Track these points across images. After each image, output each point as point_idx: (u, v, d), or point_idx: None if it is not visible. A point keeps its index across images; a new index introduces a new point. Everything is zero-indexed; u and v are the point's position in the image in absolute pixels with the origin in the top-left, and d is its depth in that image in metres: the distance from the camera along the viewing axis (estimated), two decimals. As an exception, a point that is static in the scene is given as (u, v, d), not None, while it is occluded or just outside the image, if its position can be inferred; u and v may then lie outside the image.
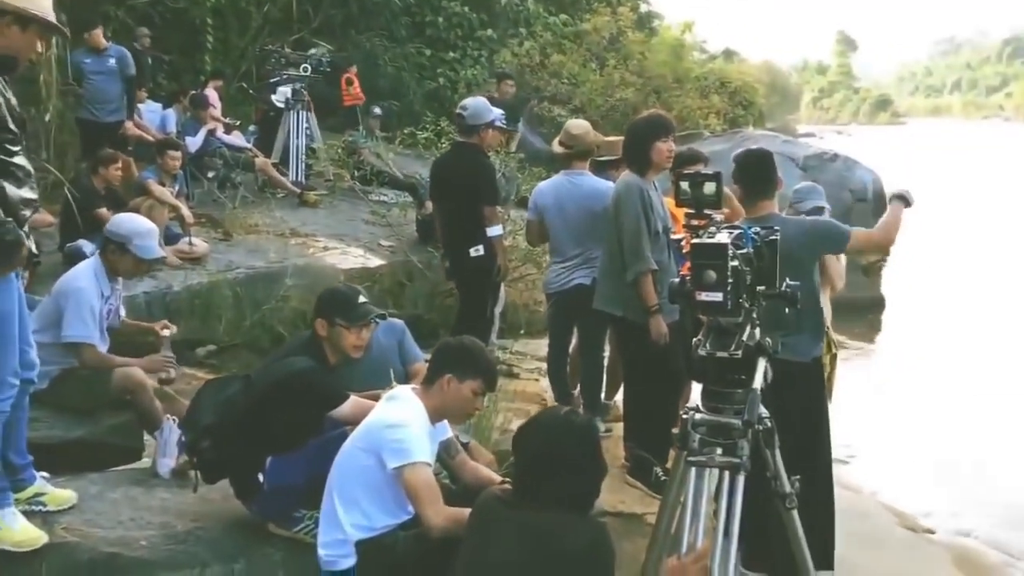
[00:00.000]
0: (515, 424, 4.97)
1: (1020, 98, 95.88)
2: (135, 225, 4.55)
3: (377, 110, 11.51)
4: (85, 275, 4.37)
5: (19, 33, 3.10)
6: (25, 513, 3.32)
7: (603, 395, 5.57)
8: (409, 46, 16.25)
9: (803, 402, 3.83)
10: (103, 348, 4.43)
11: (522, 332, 7.68)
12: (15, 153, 3.15)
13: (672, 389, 4.75)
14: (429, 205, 8.46)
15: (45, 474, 3.62)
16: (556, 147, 5.54)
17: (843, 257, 5.04)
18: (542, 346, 6.95)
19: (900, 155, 33.18)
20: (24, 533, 3.20)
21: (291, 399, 3.44)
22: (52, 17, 3.18)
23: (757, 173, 3.94)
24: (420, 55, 16.32)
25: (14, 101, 3.19)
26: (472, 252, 5.88)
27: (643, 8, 22.20)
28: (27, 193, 3.19)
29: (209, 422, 3.54)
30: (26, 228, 3.21)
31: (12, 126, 3.12)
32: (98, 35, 8.33)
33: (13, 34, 3.09)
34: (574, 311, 5.29)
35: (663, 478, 4.75)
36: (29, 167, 3.24)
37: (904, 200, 3.92)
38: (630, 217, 4.49)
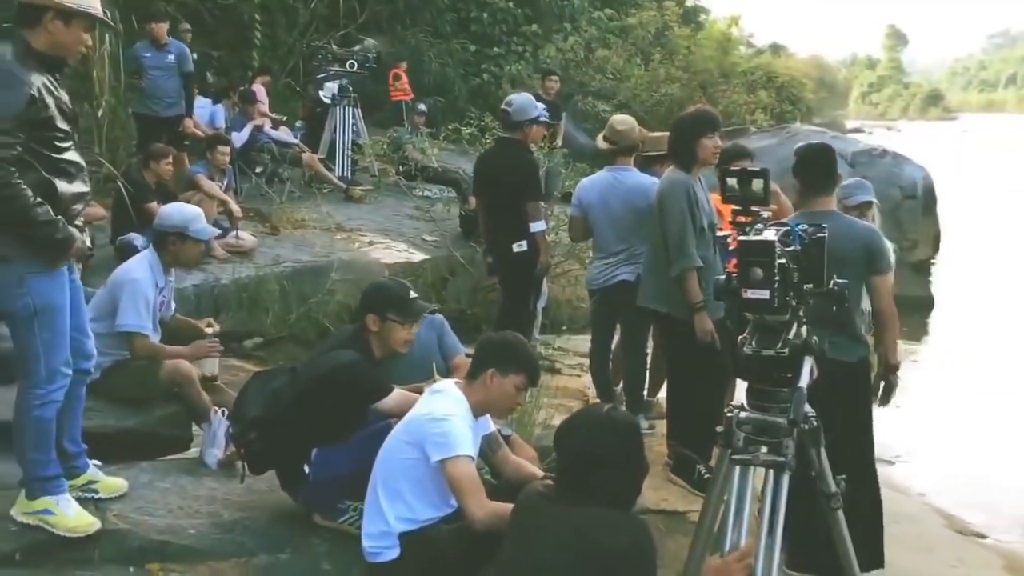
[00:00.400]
0: (557, 420, 4.97)
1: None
2: (185, 212, 4.64)
3: (422, 107, 11.55)
4: (140, 267, 4.46)
5: (63, 28, 3.11)
6: (78, 500, 3.39)
7: (646, 392, 5.56)
8: (454, 42, 16.29)
9: (849, 403, 3.78)
10: (155, 339, 4.52)
11: (564, 328, 7.68)
12: (65, 149, 3.19)
13: (716, 386, 4.72)
14: (472, 200, 8.51)
15: (97, 462, 3.69)
16: (600, 143, 5.52)
17: (891, 254, 4.97)
18: (584, 342, 6.94)
19: (952, 151, 32.56)
20: (78, 519, 3.28)
21: (337, 392, 3.48)
22: (97, 10, 3.20)
23: (817, 168, 3.91)
24: (465, 51, 16.36)
25: (65, 98, 3.21)
26: (515, 247, 5.88)
27: (689, 2, 22.01)
28: (78, 188, 3.25)
29: (256, 414, 3.60)
30: (80, 221, 3.28)
31: (62, 124, 3.16)
32: (161, 29, 8.39)
33: (57, 29, 3.10)
34: (617, 307, 5.27)
35: (706, 476, 4.72)
36: (81, 162, 3.29)
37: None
38: (674, 213, 4.47)
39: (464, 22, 16.91)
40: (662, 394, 5.73)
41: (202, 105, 9.88)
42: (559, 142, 9.88)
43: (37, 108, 3.04)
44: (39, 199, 3.02)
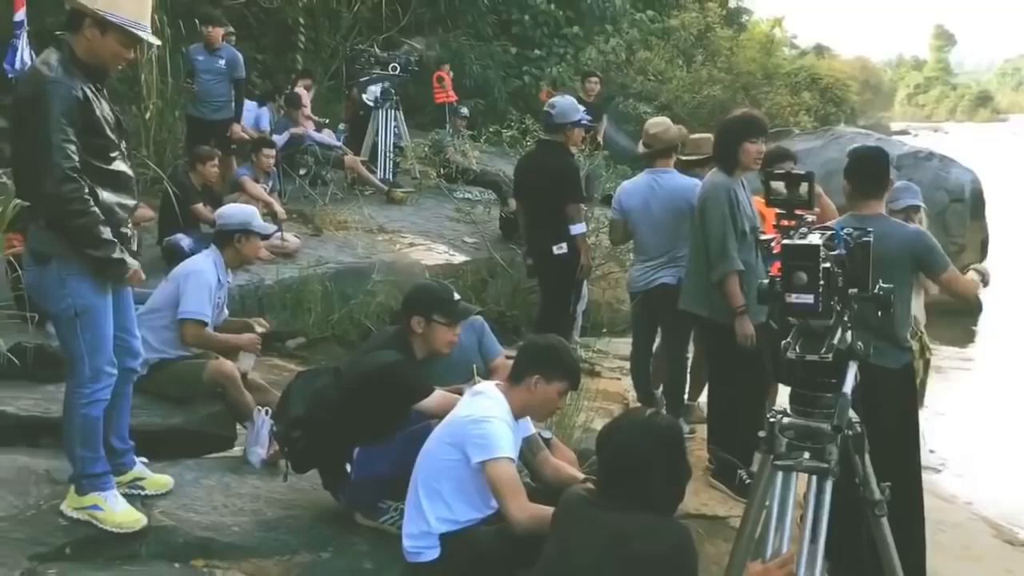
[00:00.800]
0: (597, 423, 4.96)
1: None
2: (244, 210, 4.84)
3: (464, 110, 11.61)
4: (206, 262, 4.58)
5: (99, 36, 3.11)
6: (124, 496, 3.46)
7: (686, 396, 5.53)
8: (495, 44, 16.33)
9: (893, 409, 3.73)
10: None
11: (604, 331, 7.66)
12: (113, 159, 3.22)
13: (758, 391, 4.68)
14: (512, 203, 8.53)
15: (144, 459, 3.76)
16: (640, 148, 5.53)
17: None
18: (624, 345, 6.92)
19: (1001, 154, 31.87)
20: (125, 515, 3.34)
21: (379, 391, 3.52)
22: (135, 22, 3.14)
23: (869, 171, 3.87)
24: (506, 53, 16.38)
25: (108, 109, 3.23)
26: (555, 250, 5.89)
27: (732, 3, 21.83)
28: (124, 199, 3.27)
29: (299, 413, 3.65)
30: (128, 229, 3.32)
31: (109, 133, 3.19)
32: (215, 34, 8.49)
33: (94, 37, 3.12)
34: (658, 310, 5.25)
35: (747, 481, 4.67)
36: (128, 172, 3.32)
37: (982, 277, 3.88)
38: (716, 217, 4.44)
39: (505, 24, 16.94)
40: (702, 398, 5.70)
41: (247, 108, 9.99)
42: (600, 142, 9.86)
43: (83, 113, 3.07)
44: (101, 218, 3.08)
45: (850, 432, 2.64)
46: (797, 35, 32.01)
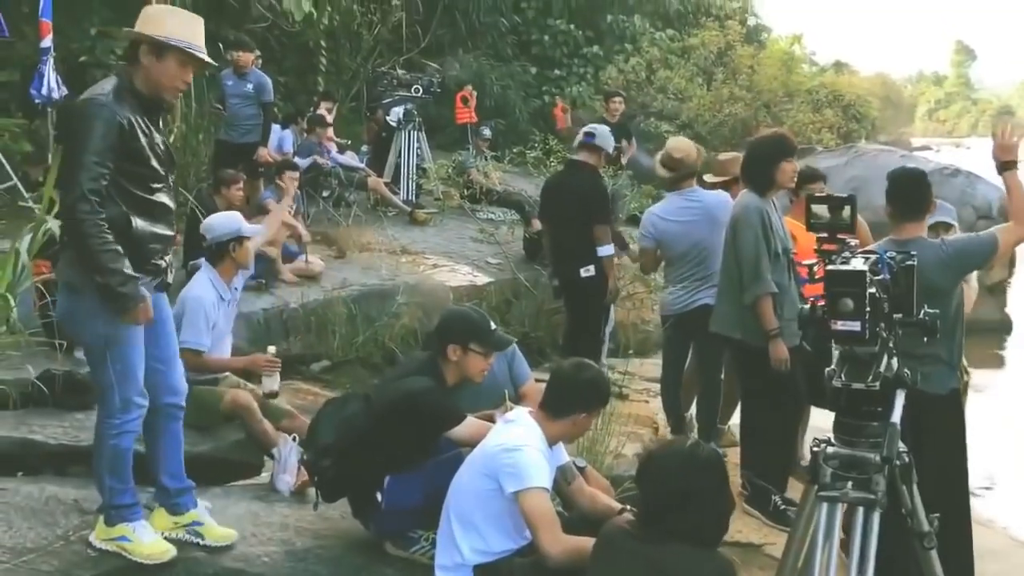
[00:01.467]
0: (628, 448, 4.90)
1: None
2: (231, 218, 4.74)
3: (487, 131, 11.61)
4: (201, 284, 4.51)
5: (156, 62, 3.12)
6: (182, 540, 3.40)
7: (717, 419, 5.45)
8: (515, 64, 16.36)
9: (939, 437, 3.64)
10: (224, 351, 4.61)
11: (631, 352, 7.59)
12: (157, 191, 3.20)
13: (791, 415, 4.61)
14: (536, 223, 8.50)
15: (208, 504, 3.64)
16: (660, 171, 5.43)
17: (974, 280, 4.80)
18: (651, 366, 6.85)
19: (1025, 169, 31.56)
20: (153, 547, 3.29)
21: (410, 419, 3.46)
22: (191, 44, 3.16)
23: (910, 194, 3.82)
24: (526, 73, 16.41)
25: (159, 140, 3.22)
26: (582, 272, 5.85)
27: (751, 21, 21.78)
28: (161, 229, 3.24)
29: (329, 441, 3.59)
30: (165, 259, 3.29)
31: (155, 164, 3.17)
32: (244, 58, 8.50)
33: (151, 63, 3.12)
34: (697, 332, 5.16)
35: (782, 507, 4.62)
36: (170, 204, 3.29)
37: (1013, 165, 3.78)
38: (748, 239, 4.38)
39: (525, 45, 16.98)
40: (732, 421, 5.62)
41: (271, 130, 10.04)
42: (624, 162, 9.81)
43: (125, 139, 3.05)
44: (114, 247, 3.01)
45: (897, 462, 2.57)
46: (816, 52, 31.90)
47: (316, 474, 3.62)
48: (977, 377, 7.95)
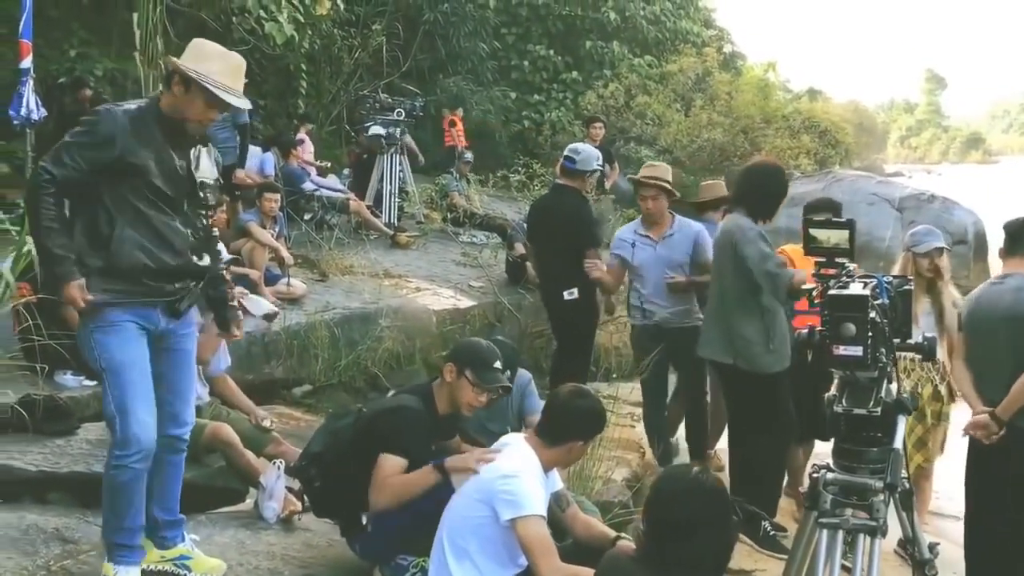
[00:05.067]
0: (617, 474, 4.87)
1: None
2: None
3: (468, 155, 11.64)
4: None
5: (183, 93, 3.12)
6: (169, 574, 3.33)
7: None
8: (495, 89, 16.42)
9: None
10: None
11: (615, 376, 7.56)
12: (163, 212, 3.12)
13: (780, 440, 4.59)
14: (518, 247, 8.49)
15: (195, 537, 3.57)
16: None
17: (961, 305, 4.81)
18: (631, 390, 6.82)
19: (994, 195, 32.04)
20: None
21: (371, 438, 3.46)
22: (222, 86, 3.12)
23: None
24: (505, 98, 16.48)
25: (179, 165, 3.17)
26: (566, 295, 5.82)
27: (727, 48, 22.03)
28: (160, 250, 3.12)
29: (319, 450, 3.63)
30: (178, 285, 3.17)
31: (165, 187, 3.11)
32: None
33: (179, 93, 3.12)
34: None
35: (772, 532, 4.60)
36: (181, 229, 3.18)
37: None
38: (754, 251, 4.31)
39: (505, 70, 17.07)
40: (719, 446, 5.61)
41: (251, 153, 9.99)
42: (607, 187, 9.85)
43: (122, 152, 3.03)
44: (53, 225, 2.98)
45: (899, 488, 2.56)
46: (790, 79, 32.24)
47: (303, 482, 3.64)
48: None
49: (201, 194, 3.28)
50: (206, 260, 3.30)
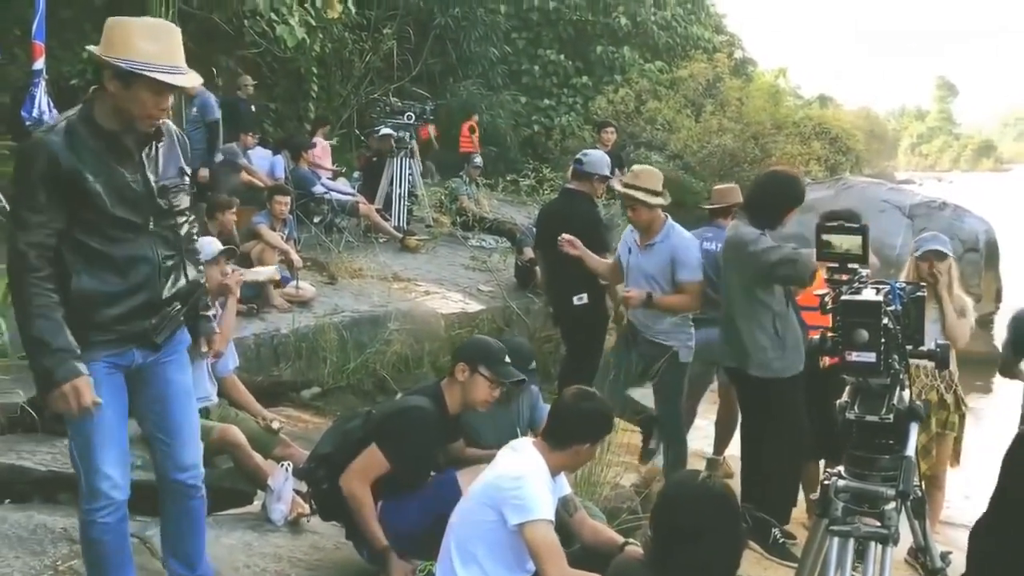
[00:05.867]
0: (625, 479, 4.85)
1: None
2: (211, 243, 4.39)
3: (478, 159, 11.65)
4: None
5: (123, 90, 2.62)
6: None
7: (712, 450, 5.40)
8: (505, 94, 16.44)
9: None
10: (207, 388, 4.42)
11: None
12: (121, 240, 2.68)
13: (794, 446, 4.56)
14: (528, 251, 8.47)
15: None
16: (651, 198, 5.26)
17: (971, 314, 4.76)
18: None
19: (1006, 203, 31.89)
20: None
21: (394, 436, 3.46)
22: (164, 67, 2.62)
23: None
24: (516, 102, 16.50)
25: (133, 178, 2.70)
26: (575, 300, 5.80)
27: (738, 54, 22.02)
28: (109, 285, 2.69)
29: (326, 452, 3.63)
30: (154, 320, 2.78)
31: (119, 210, 2.65)
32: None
33: (117, 91, 2.62)
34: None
35: (781, 540, 4.56)
36: (147, 254, 2.74)
37: None
38: (769, 249, 4.27)
39: (515, 75, 17.11)
40: (729, 451, 5.58)
41: (262, 156, 10.02)
42: (618, 192, 9.83)
43: (72, 182, 2.58)
44: (45, 312, 2.54)
45: (912, 496, 2.54)
46: (800, 86, 32.16)
47: (311, 484, 3.64)
48: (973, 402, 7.97)
49: (163, 202, 2.79)
50: (182, 281, 2.88)
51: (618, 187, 5.31)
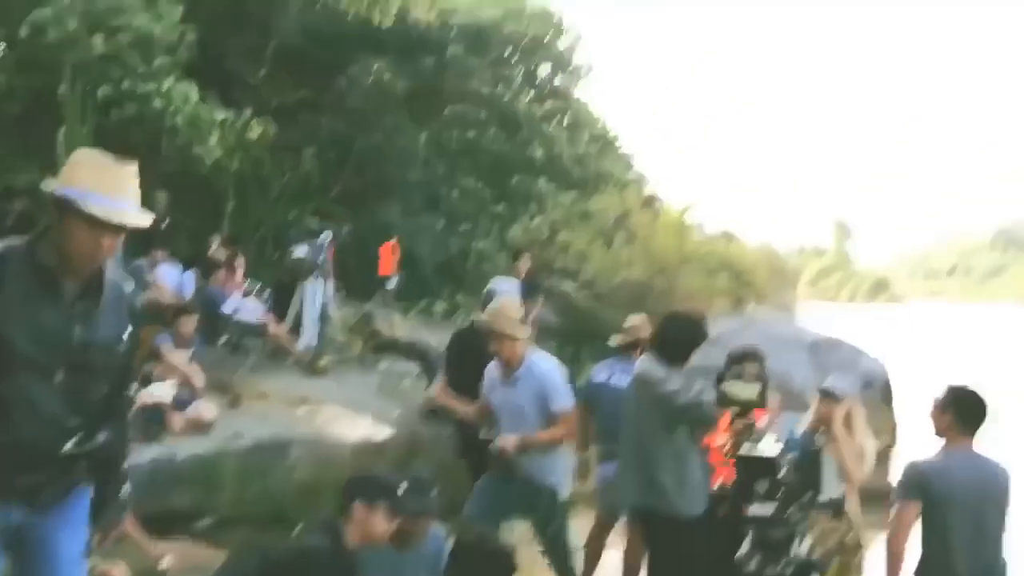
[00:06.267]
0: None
1: (1016, 285, 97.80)
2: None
3: (394, 282, 11.70)
4: None
5: (56, 221, 2.38)
6: None
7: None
8: (423, 217, 16.65)
9: None
10: None
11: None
12: (14, 380, 2.37)
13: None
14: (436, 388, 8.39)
15: None
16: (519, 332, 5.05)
17: (871, 455, 4.85)
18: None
19: (898, 336, 33.24)
20: None
21: None
22: (105, 200, 2.34)
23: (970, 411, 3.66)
24: (434, 226, 16.70)
25: (54, 322, 2.42)
26: (483, 433, 5.74)
27: (647, 190, 22.88)
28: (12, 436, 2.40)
29: None
30: (39, 477, 2.48)
31: (30, 348, 2.37)
32: None
33: (54, 220, 2.39)
34: None
35: None
36: (28, 399, 2.41)
37: None
38: (678, 392, 4.18)
39: (434, 199, 17.37)
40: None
41: (169, 273, 9.83)
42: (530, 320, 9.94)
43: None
44: None
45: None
46: (703, 222, 33.45)
47: None
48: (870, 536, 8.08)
49: (82, 359, 2.48)
50: (90, 444, 2.54)
51: (485, 321, 5.03)
